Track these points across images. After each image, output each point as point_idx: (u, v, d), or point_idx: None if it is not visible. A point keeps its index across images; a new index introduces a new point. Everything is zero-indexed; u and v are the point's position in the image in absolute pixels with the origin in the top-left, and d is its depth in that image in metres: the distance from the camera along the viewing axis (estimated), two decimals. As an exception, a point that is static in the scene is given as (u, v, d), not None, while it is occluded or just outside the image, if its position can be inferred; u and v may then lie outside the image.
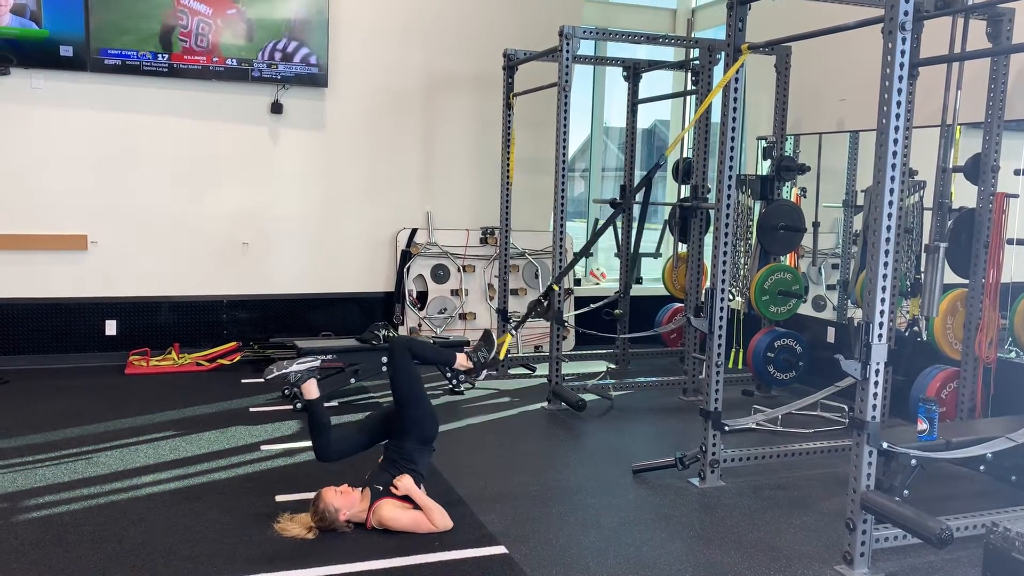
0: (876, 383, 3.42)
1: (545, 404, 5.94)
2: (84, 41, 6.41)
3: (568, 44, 5.63)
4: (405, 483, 3.77)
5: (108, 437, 5.01)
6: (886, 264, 3.39)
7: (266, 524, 3.76)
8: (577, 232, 8.68)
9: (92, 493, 4.14)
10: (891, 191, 3.36)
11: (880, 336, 3.40)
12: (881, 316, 3.40)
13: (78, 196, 6.66)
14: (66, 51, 6.39)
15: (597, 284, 8.53)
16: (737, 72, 4.26)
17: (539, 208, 7.79)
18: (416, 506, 3.77)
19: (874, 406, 3.43)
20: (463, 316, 7.59)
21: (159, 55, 6.60)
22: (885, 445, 3.48)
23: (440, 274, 7.58)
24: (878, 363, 3.40)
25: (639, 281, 7.54)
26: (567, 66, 5.66)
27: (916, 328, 5.64)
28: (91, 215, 6.69)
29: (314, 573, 3.36)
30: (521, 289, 7.78)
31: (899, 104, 3.36)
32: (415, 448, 3.95)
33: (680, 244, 7.11)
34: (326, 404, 5.61)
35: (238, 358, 6.84)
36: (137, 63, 6.56)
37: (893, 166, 3.39)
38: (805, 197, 6.83)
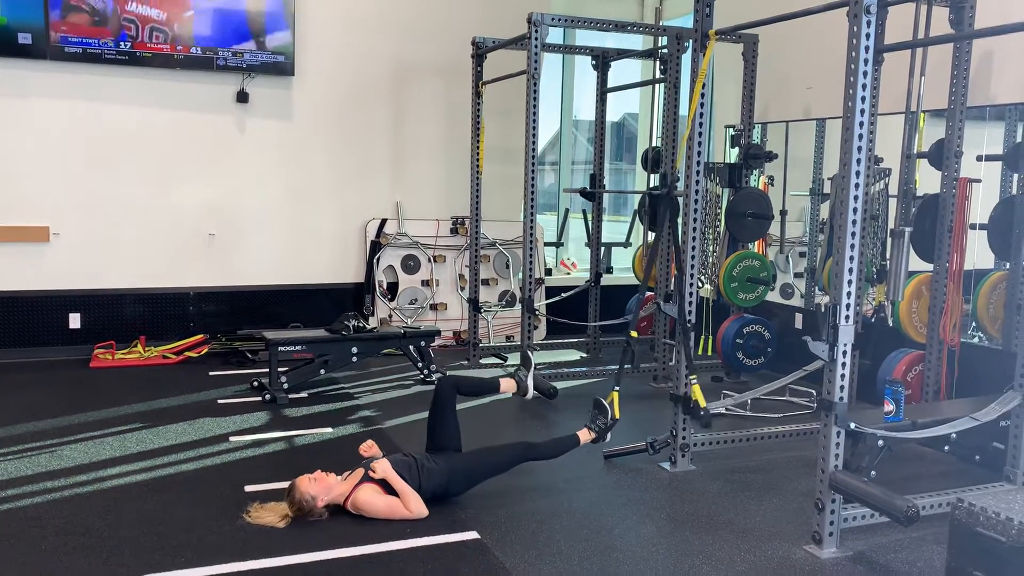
0: (843, 364, 3.45)
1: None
2: (43, 28, 6.28)
3: (537, 31, 5.62)
4: (383, 466, 3.75)
5: (72, 430, 4.93)
6: (853, 247, 3.43)
7: (236, 514, 3.72)
8: (547, 224, 8.67)
9: (57, 486, 4.07)
10: (857, 174, 3.40)
11: (847, 318, 3.44)
12: (848, 298, 3.43)
13: (39, 187, 6.53)
14: (24, 38, 6.26)
15: (568, 274, 8.54)
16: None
17: (509, 198, 7.78)
18: (392, 492, 3.75)
19: (842, 387, 3.46)
20: (434, 307, 7.56)
21: (120, 43, 6.48)
22: (852, 426, 3.52)
23: (410, 264, 7.54)
24: (845, 344, 3.44)
25: (609, 271, 7.56)
26: (536, 54, 5.65)
27: (882, 314, 5.71)
28: (53, 206, 6.57)
29: (286, 561, 3.33)
30: (492, 279, 7.77)
31: (864, 87, 3.39)
32: (442, 479, 3.87)
33: (650, 233, 7.13)
34: (294, 396, 5.63)
35: (205, 351, 6.77)
36: (99, 51, 6.45)
37: (859, 149, 3.42)
38: (773, 185, 6.89)
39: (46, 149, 6.53)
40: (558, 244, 8.21)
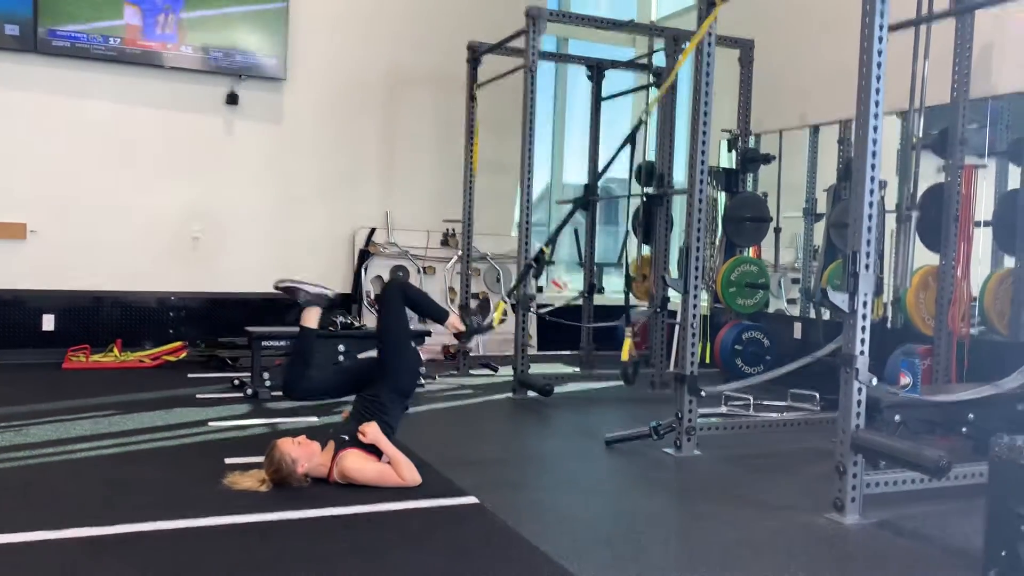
0: (864, 316, 3.29)
1: (511, 394, 5.71)
2: (32, 19, 6.16)
3: (534, 25, 5.57)
4: (372, 430, 3.50)
5: (41, 414, 4.63)
6: (872, 191, 3.30)
7: (214, 480, 3.45)
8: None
9: (21, 456, 3.78)
10: (875, 115, 3.29)
11: (867, 266, 3.29)
12: (867, 245, 3.29)
13: (18, 181, 6.32)
14: (11, 30, 6.14)
15: (559, 293, 8.37)
16: (708, 63, 4.18)
17: (501, 211, 7.67)
18: (382, 458, 3.50)
19: (863, 340, 3.29)
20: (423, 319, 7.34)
21: (110, 38, 6.38)
22: (874, 381, 3.34)
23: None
24: (866, 293, 3.29)
25: (600, 291, 7.40)
26: (533, 47, 5.59)
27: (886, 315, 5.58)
28: (32, 202, 6.35)
29: (268, 518, 3.06)
30: (483, 293, 7.58)
31: (880, 40, 3.30)
32: (389, 399, 3.71)
33: (644, 247, 7.00)
34: (277, 392, 5.34)
35: (184, 355, 6.49)
36: (87, 46, 6.33)
37: (876, 103, 3.32)
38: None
39: (28, 143, 6.35)
40: (548, 262, 8.06)
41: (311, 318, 4.01)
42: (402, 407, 3.78)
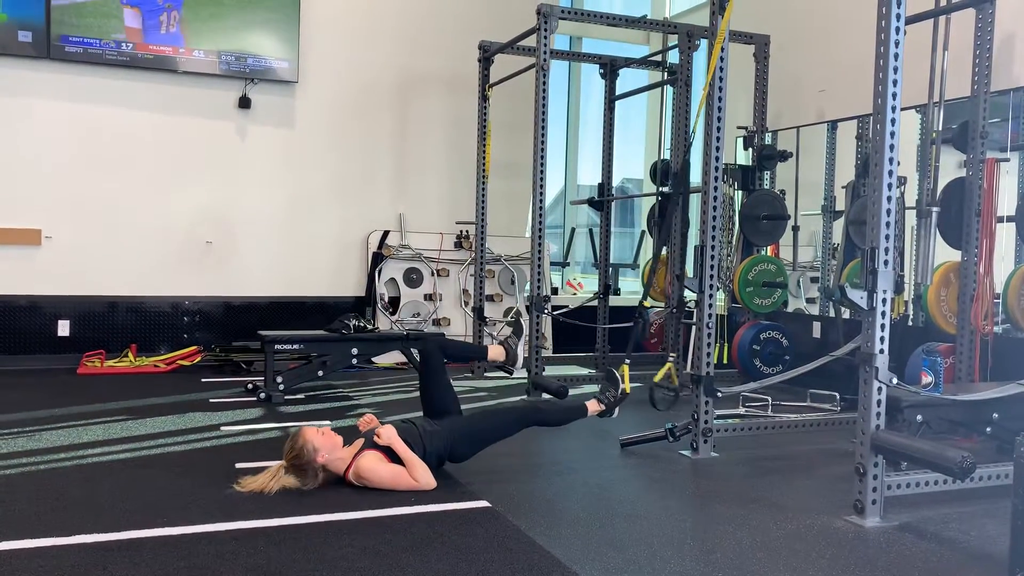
0: (883, 313, 3.21)
1: (525, 396, 5.66)
2: (44, 27, 6.18)
3: (546, 23, 5.52)
4: (387, 432, 3.47)
5: (55, 419, 4.63)
6: (890, 186, 3.22)
7: (224, 485, 3.42)
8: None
9: (32, 462, 3.77)
10: (893, 109, 3.21)
11: (886, 262, 3.21)
12: (887, 241, 3.21)
13: (33, 188, 6.34)
14: (24, 36, 6.16)
15: (574, 294, 8.31)
16: (720, 58, 4.10)
17: (515, 213, 7.62)
18: (397, 460, 3.46)
19: (882, 338, 3.22)
20: (436, 322, 7.30)
21: (123, 44, 6.39)
22: (895, 381, 3.26)
23: (413, 278, 7.31)
24: (885, 291, 3.21)
25: (616, 292, 7.33)
26: (545, 46, 5.53)
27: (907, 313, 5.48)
28: (46, 208, 6.37)
29: (278, 523, 3.02)
30: (497, 295, 7.53)
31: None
32: (442, 443, 3.62)
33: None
34: (290, 396, 5.32)
35: (199, 359, 6.49)
36: (100, 51, 6.34)
37: (894, 95, 3.24)
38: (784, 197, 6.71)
39: (42, 150, 6.37)
40: (564, 264, 8.02)
41: (495, 353, 4.31)
42: (439, 460, 3.64)
